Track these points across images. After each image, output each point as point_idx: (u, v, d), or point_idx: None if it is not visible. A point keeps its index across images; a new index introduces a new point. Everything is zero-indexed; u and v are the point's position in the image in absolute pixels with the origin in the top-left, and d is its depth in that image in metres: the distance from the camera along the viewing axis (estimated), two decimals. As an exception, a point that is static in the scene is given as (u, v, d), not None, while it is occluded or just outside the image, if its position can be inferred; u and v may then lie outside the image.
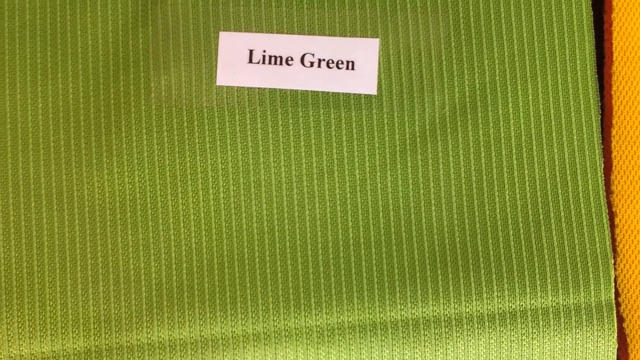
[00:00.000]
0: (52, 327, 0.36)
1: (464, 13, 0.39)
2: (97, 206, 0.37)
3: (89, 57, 0.37)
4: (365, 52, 0.38)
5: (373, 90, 0.38)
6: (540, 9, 0.39)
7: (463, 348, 0.37)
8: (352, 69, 0.38)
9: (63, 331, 0.36)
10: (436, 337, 0.37)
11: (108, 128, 0.37)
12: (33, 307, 0.36)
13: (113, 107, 0.37)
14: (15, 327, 0.36)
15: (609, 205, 0.39)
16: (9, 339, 0.36)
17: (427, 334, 0.37)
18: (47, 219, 0.36)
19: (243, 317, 0.36)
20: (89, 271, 0.36)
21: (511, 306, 0.37)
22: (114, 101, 0.37)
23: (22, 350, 0.36)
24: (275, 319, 0.36)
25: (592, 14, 0.40)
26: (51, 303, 0.36)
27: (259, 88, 0.38)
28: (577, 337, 0.37)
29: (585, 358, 0.37)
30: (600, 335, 0.37)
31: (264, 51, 0.38)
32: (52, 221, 0.36)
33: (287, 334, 0.36)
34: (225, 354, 0.36)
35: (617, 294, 0.39)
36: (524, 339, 0.37)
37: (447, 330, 0.37)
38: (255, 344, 0.36)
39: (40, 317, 0.36)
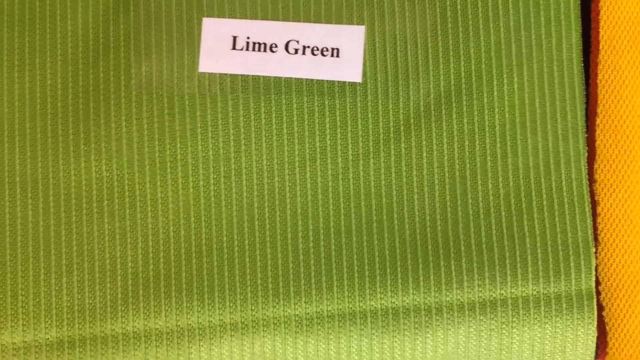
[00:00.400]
0: (24, 317, 0.35)
1: (450, 1, 0.39)
2: (73, 194, 0.36)
3: (68, 42, 0.37)
4: (351, 39, 0.38)
5: (358, 78, 0.38)
6: None
7: (443, 337, 0.37)
8: (337, 56, 0.38)
9: (35, 321, 0.35)
10: (416, 326, 0.37)
11: (86, 115, 0.37)
12: (4, 296, 0.36)
13: (92, 93, 0.37)
14: None
15: (592, 194, 0.39)
16: None
17: (406, 323, 0.37)
18: (21, 206, 0.36)
19: (220, 306, 0.36)
20: (63, 260, 0.36)
21: (491, 295, 0.37)
22: (93, 87, 0.37)
23: None
24: (253, 308, 0.36)
25: (579, 2, 0.39)
26: (23, 292, 0.36)
27: (242, 75, 0.38)
28: (557, 325, 0.37)
29: (565, 346, 0.37)
30: (579, 324, 0.37)
31: (248, 38, 0.38)
32: (25, 209, 0.36)
33: (265, 323, 0.36)
34: (201, 344, 0.36)
35: (597, 283, 0.39)
36: (504, 328, 0.37)
37: (427, 319, 0.37)
38: (232, 333, 0.36)
39: (12, 307, 0.35)
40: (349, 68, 0.38)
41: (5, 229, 0.36)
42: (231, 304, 0.36)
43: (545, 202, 0.38)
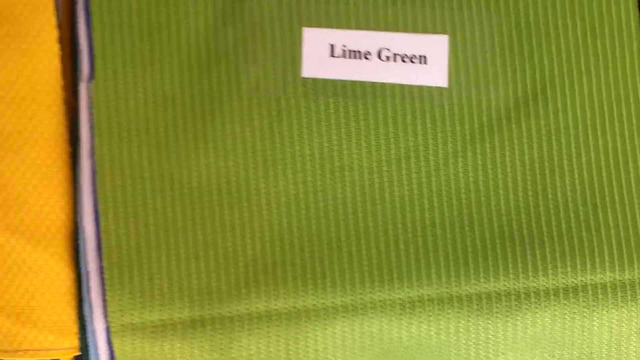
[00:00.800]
0: (160, 298, 0.39)
1: (524, 12, 0.42)
2: (196, 188, 0.40)
3: (182, 51, 0.40)
4: (436, 47, 0.42)
5: (444, 83, 0.41)
6: (592, 10, 0.43)
7: (531, 319, 0.40)
8: (425, 63, 0.41)
9: (169, 302, 0.39)
10: (506, 309, 0.40)
11: (202, 116, 0.40)
12: (142, 280, 0.39)
13: (207, 97, 0.40)
14: (127, 298, 0.39)
15: (659, 190, 0.42)
16: (121, 308, 0.39)
17: (498, 307, 0.40)
18: (150, 199, 0.40)
19: (332, 290, 0.40)
20: (190, 248, 0.39)
21: (573, 281, 0.40)
22: (208, 92, 0.40)
23: (134, 319, 0.39)
24: (361, 292, 0.40)
25: (638, 15, 0.43)
26: (158, 276, 0.39)
27: (340, 80, 0.41)
28: (632, 309, 0.41)
29: (640, 329, 0.41)
30: None
31: (344, 46, 0.41)
32: (154, 202, 0.40)
33: (372, 306, 0.40)
34: (316, 324, 0.39)
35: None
36: (585, 311, 0.40)
37: (516, 303, 0.40)
38: (344, 315, 0.39)
39: (149, 289, 0.39)
40: (435, 74, 0.42)
41: (139, 220, 0.39)
42: (341, 289, 0.40)
43: (617, 197, 0.42)
